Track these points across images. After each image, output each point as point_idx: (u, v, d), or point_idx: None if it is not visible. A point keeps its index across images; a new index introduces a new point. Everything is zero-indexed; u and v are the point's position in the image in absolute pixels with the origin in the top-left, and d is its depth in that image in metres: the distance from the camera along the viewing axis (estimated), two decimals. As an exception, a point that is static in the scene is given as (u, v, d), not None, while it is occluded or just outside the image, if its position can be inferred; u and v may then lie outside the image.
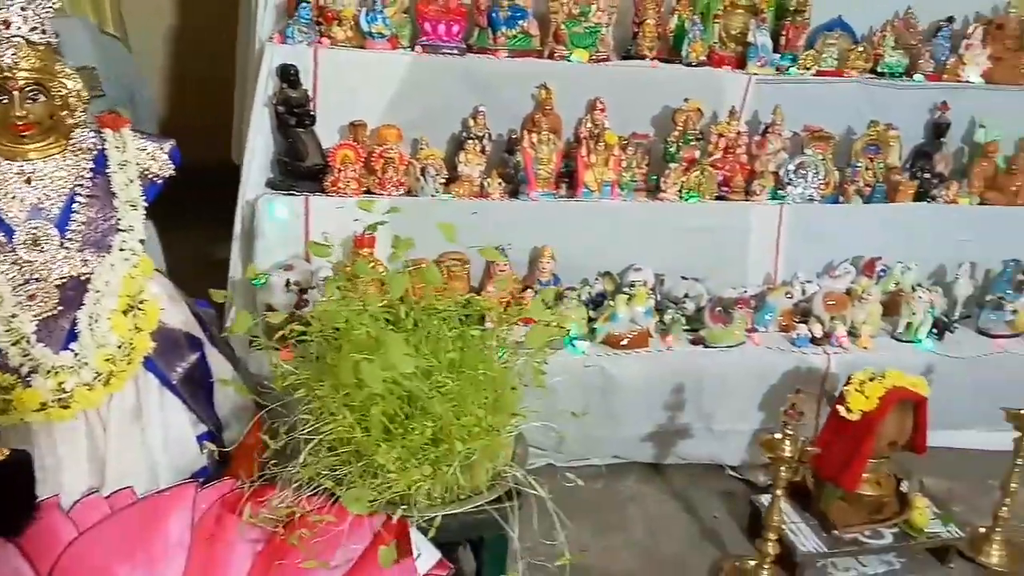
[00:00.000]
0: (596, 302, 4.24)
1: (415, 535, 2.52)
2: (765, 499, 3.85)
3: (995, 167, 5.08)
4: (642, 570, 3.70)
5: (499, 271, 4.16)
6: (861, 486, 3.69)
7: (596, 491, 4.13)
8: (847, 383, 3.66)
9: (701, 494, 4.20)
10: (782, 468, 3.38)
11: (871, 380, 3.61)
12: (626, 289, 4.17)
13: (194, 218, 4.97)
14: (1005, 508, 3.77)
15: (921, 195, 4.90)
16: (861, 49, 5.12)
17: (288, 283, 3.77)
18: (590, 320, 4.14)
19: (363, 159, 4.14)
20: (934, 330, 4.49)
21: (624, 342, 4.06)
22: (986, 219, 4.96)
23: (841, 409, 3.62)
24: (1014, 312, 4.56)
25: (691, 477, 4.31)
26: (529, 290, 4.08)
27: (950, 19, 5.35)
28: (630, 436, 4.18)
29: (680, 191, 4.56)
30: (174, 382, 3.03)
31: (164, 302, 3.12)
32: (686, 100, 4.65)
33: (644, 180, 4.63)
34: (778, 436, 3.34)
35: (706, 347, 4.17)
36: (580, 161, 4.41)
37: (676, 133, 4.65)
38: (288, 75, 4.04)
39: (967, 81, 5.25)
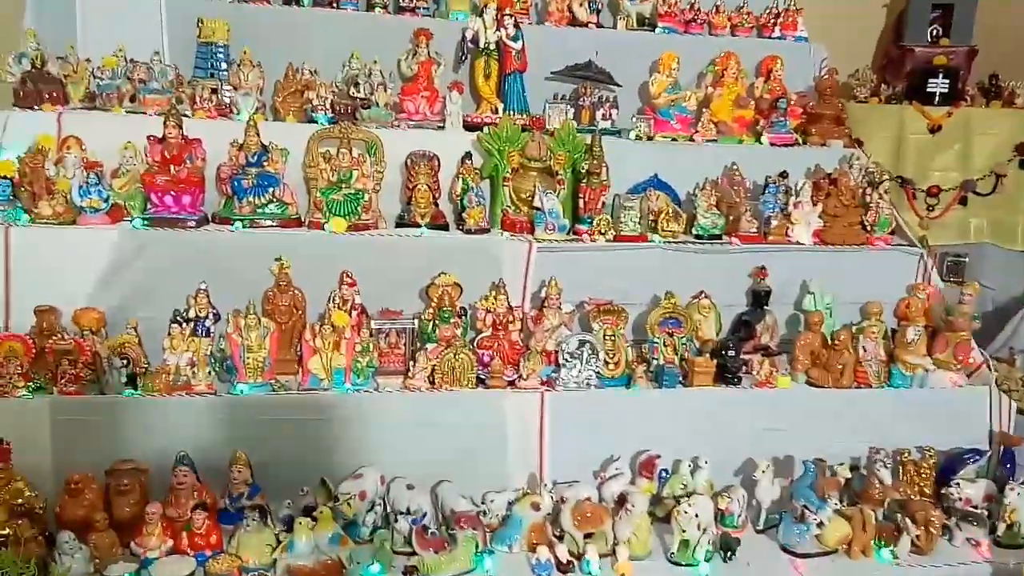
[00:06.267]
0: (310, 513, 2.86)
1: None
2: None
3: (822, 340, 3.59)
4: None
5: (177, 484, 2.84)
6: None
7: None
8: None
9: None
10: None
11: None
12: (327, 505, 2.80)
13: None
14: None
15: (728, 375, 3.42)
16: (672, 211, 3.76)
17: None
18: (278, 545, 2.75)
19: (34, 351, 2.91)
20: (720, 550, 2.98)
21: None
22: (803, 404, 3.43)
23: None
24: (820, 526, 3.00)
25: None
26: (199, 510, 2.73)
27: (783, 174, 3.94)
28: None
29: (432, 376, 3.20)
30: None
31: None
32: (441, 274, 3.33)
33: (403, 363, 3.28)
34: None
35: (419, 580, 2.72)
36: (305, 346, 3.10)
37: (431, 310, 3.32)
38: (-47, 259, 2.87)
39: (797, 242, 3.83)
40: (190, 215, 3.20)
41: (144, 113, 3.43)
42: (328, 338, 2.97)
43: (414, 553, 2.70)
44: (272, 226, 3.30)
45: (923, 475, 3.17)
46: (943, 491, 3.12)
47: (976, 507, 3.04)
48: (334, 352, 2.98)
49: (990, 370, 3.46)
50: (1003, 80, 5.72)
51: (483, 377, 3.13)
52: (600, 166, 3.51)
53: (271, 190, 3.30)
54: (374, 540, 2.71)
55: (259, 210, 3.29)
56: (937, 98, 5.52)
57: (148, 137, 3.22)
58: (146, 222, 3.16)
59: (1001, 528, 3.00)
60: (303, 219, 3.37)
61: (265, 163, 3.32)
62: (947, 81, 5.55)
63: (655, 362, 3.30)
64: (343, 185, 3.35)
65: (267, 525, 2.66)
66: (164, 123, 3.21)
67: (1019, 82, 5.75)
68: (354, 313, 3.10)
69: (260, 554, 2.60)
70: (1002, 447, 3.25)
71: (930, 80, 5.59)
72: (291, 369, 3.08)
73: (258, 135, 3.32)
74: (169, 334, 2.94)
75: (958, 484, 3.07)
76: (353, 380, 2.99)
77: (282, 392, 2.94)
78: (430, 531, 2.66)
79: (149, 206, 3.19)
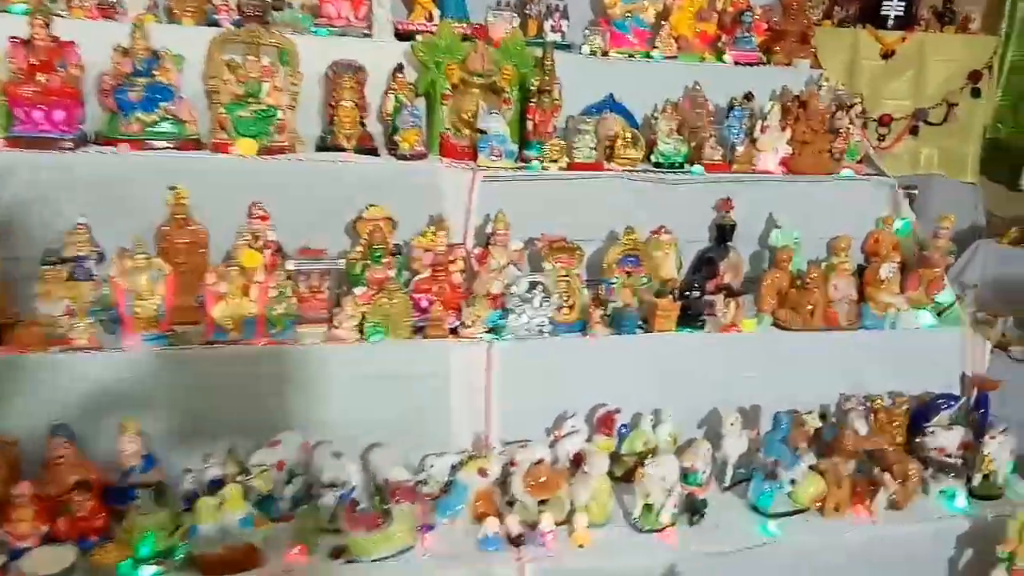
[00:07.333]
0: (214, 491, 2.38)
1: None
2: None
3: (789, 279, 3.24)
4: None
5: (53, 459, 2.31)
6: None
7: None
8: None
9: None
10: None
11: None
12: (237, 480, 2.33)
13: None
14: None
15: (691, 318, 3.04)
16: (630, 136, 3.30)
17: None
18: (177, 529, 2.28)
19: None
20: (687, 512, 2.65)
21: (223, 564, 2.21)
22: (770, 348, 3.09)
23: None
24: (793, 483, 2.70)
25: None
26: (80, 489, 2.22)
27: (748, 96, 3.51)
28: None
29: (361, 325, 2.72)
30: None
31: None
32: (371, 206, 2.82)
33: (327, 310, 2.77)
34: None
35: (349, 562, 2.31)
36: (207, 292, 2.57)
37: (360, 249, 2.81)
38: None
39: (764, 171, 3.43)
40: (64, 134, 2.60)
41: (3, 11, 2.74)
42: (235, 281, 2.45)
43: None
44: (167, 147, 2.73)
45: (895, 423, 2.89)
46: (916, 440, 2.84)
47: (950, 456, 2.77)
48: (243, 298, 2.46)
49: (963, 309, 3.16)
50: (956, 4, 5.40)
51: (421, 325, 2.67)
52: (552, 83, 3.02)
53: (163, 104, 2.72)
54: (295, 518, 2.25)
55: (150, 128, 2.71)
56: (891, 21, 5.16)
57: (9, 39, 2.57)
58: (10, 142, 2.53)
59: (977, 479, 2.75)
60: (204, 140, 2.78)
61: (155, 72, 2.73)
62: (902, 3, 5.19)
63: (613, 305, 2.88)
64: (251, 100, 2.76)
65: (164, 505, 2.17)
66: (30, 22, 2.55)
67: (973, 7, 5.44)
68: (267, 252, 2.57)
69: (157, 539, 2.11)
70: (976, 391, 2.98)
71: (884, 2, 5.22)
72: (193, 318, 2.55)
73: (145, 38, 2.69)
74: (41, 278, 2.36)
75: (932, 432, 2.80)
76: (267, 331, 2.48)
77: (181, 346, 2.41)
78: (360, 506, 2.23)
79: (14, 123, 2.57)
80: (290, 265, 2.59)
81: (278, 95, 2.80)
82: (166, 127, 2.74)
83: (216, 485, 2.28)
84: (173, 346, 2.43)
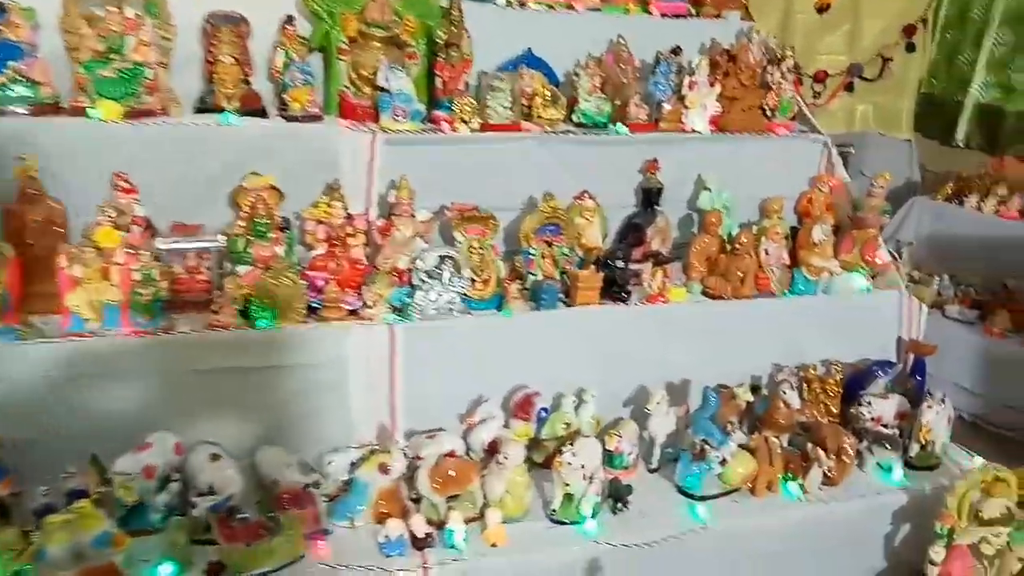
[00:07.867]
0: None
1: None
2: None
3: (719, 244, 3.01)
4: None
5: None
6: None
7: None
8: None
9: None
10: None
11: None
12: (96, 492, 2.02)
13: None
14: None
15: (615, 289, 2.80)
16: (549, 94, 3.01)
17: None
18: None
19: None
20: (610, 498, 2.43)
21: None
22: (699, 318, 2.87)
23: None
24: (723, 463, 2.49)
25: None
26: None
27: (675, 50, 3.24)
28: None
29: (245, 310, 2.40)
30: None
31: None
32: (252, 174, 2.49)
33: (207, 293, 2.45)
34: None
35: (230, 577, 2.02)
36: (62, 276, 2.22)
37: (241, 223, 2.49)
38: None
39: (692, 130, 3.18)
40: None
41: None
42: (92, 264, 2.12)
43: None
44: (21, 113, 2.34)
45: (829, 393, 2.70)
46: (851, 410, 2.66)
47: (887, 426, 2.60)
48: (103, 283, 2.12)
49: (899, 271, 2.98)
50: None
51: (316, 307, 2.36)
52: (460, 35, 2.71)
53: (12, 64, 2.35)
54: (167, 529, 1.96)
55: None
56: (826, -28, 4.95)
57: None
58: None
59: (914, 449, 2.58)
60: (64, 104, 2.40)
61: (1, 27, 2.32)
62: (837, -45, 4.97)
63: (532, 278, 2.63)
64: (114, 57, 2.39)
65: (11, 522, 1.86)
66: None
67: (909, -42, 5.25)
68: (136, 229, 2.22)
69: (1, 563, 1.80)
70: (912, 357, 2.81)
71: (818, -46, 5.00)
72: (51, 307, 2.20)
73: (-13, -12, 2.29)
74: None
75: (868, 402, 2.61)
76: (133, 319, 2.15)
77: (33, 340, 2.07)
78: (239, 515, 1.94)
79: None
80: (159, 244, 2.24)
81: (146, 51, 2.44)
82: (17, 90, 2.37)
83: (78, 497, 1.96)
84: (21, 340, 2.07)
